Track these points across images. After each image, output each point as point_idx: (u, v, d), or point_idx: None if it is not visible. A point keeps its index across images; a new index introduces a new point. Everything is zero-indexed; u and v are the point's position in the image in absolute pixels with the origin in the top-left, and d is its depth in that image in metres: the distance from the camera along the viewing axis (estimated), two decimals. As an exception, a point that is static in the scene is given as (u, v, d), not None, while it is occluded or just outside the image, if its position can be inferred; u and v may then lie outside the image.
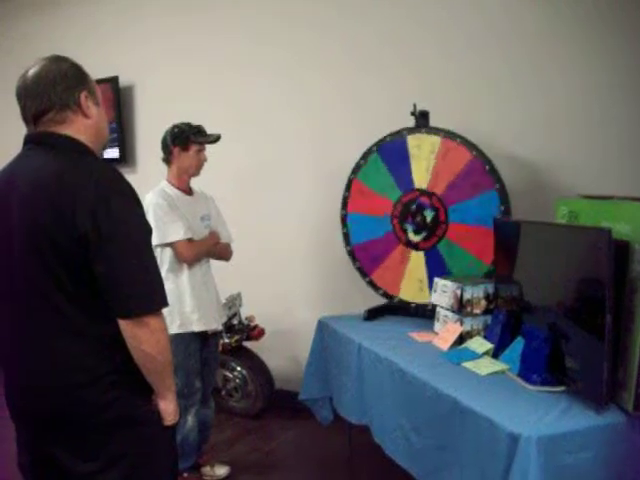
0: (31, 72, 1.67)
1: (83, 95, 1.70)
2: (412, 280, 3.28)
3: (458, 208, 3.15)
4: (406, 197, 3.28)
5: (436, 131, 3.20)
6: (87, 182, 1.56)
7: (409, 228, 3.27)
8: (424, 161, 3.22)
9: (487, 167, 3.06)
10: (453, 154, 3.14)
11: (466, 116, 3.47)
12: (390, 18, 3.80)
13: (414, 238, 3.27)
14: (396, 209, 3.31)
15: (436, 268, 3.20)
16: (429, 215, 3.22)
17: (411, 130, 3.26)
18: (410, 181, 3.27)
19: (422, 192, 3.24)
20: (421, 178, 3.24)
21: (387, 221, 3.33)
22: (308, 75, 4.12)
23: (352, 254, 3.44)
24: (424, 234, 3.24)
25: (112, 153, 4.91)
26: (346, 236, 3.46)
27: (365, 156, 3.39)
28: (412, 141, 3.25)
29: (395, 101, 3.65)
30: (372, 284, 3.41)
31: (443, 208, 3.18)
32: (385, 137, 3.34)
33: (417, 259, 3.27)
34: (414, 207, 3.26)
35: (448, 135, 3.15)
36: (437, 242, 3.21)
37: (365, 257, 3.41)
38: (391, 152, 3.32)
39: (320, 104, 4.10)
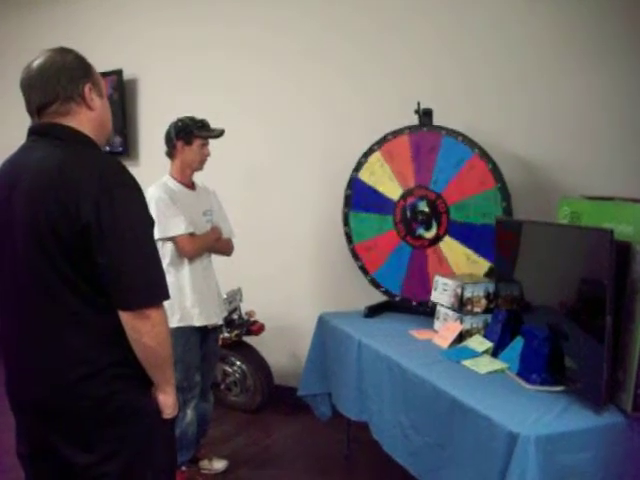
0: (35, 64, 1.67)
1: (87, 87, 1.70)
2: (460, 263, 3.20)
3: (436, 177, 3.21)
4: (397, 214, 3.32)
5: (370, 150, 3.38)
6: (90, 174, 1.56)
7: (421, 231, 3.27)
8: (383, 176, 3.33)
9: (425, 129, 3.24)
10: (395, 150, 3.32)
11: (472, 116, 3.46)
12: (401, 19, 3.79)
13: (430, 234, 3.25)
14: (400, 230, 3.32)
15: (468, 234, 3.16)
16: (424, 206, 3.25)
17: (356, 168, 3.42)
18: (389, 200, 3.34)
19: (403, 197, 3.29)
20: (394, 190, 3.32)
21: (404, 245, 3.32)
22: (315, 73, 4.11)
23: (404, 298, 3.37)
24: (435, 224, 3.23)
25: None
26: (387, 292, 3.41)
27: (346, 221, 3.47)
28: (364, 174, 3.39)
29: (403, 100, 3.63)
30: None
31: (427, 190, 3.23)
32: (345, 192, 3.47)
33: (448, 245, 3.22)
34: (409, 213, 3.28)
35: (380, 144, 3.36)
36: (448, 217, 3.20)
37: (415, 290, 3.33)
38: (359, 197, 3.42)
39: (326, 104, 4.09)
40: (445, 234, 3.21)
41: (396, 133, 3.32)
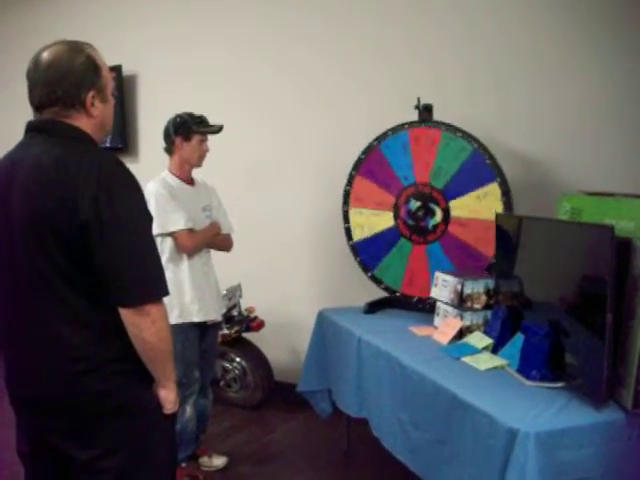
0: (44, 57, 1.64)
1: (90, 95, 1.66)
2: (477, 208, 3.15)
3: (401, 175, 3.31)
4: (405, 231, 3.32)
5: (345, 214, 3.47)
6: (89, 170, 1.55)
7: (432, 221, 3.26)
8: (370, 219, 3.41)
9: (362, 156, 3.36)
10: (361, 192, 3.42)
11: (472, 111, 3.45)
12: (400, 12, 3.78)
13: (439, 216, 3.24)
14: (419, 240, 3.29)
15: (461, 182, 3.16)
16: (415, 203, 3.27)
17: (348, 236, 3.46)
18: (391, 230, 3.36)
19: (396, 215, 3.34)
20: (386, 219, 3.36)
21: (432, 246, 3.28)
22: (314, 68, 4.10)
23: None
24: (434, 206, 3.24)
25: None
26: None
27: (378, 280, 3.43)
28: (357, 234, 3.46)
29: (401, 96, 3.63)
30: None
31: (405, 190, 3.30)
32: (356, 260, 3.46)
33: (458, 206, 3.20)
34: (410, 220, 3.30)
35: (346, 202, 3.46)
36: (438, 190, 3.21)
37: (475, 267, 3.20)
38: (369, 254, 3.43)
39: (324, 99, 4.08)
40: (447, 202, 3.21)
41: (350, 179, 3.43)
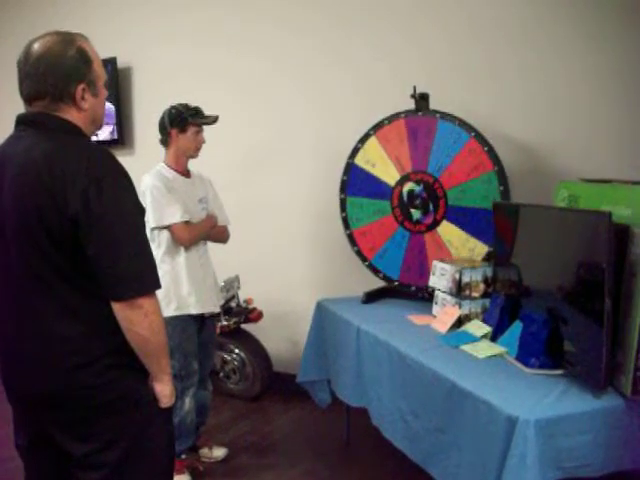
0: (34, 50, 1.62)
1: (80, 88, 1.64)
2: (459, 248, 3.17)
3: (432, 161, 3.20)
4: (394, 199, 3.30)
5: (366, 135, 3.34)
6: (78, 163, 1.53)
7: (419, 216, 3.25)
8: (380, 161, 3.32)
9: (420, 114, 3.20)
10: (391, 135, 3.28)
11: (467, 99, 3.44)
12: (395, 1, 3.77)
13: (428, 219, 3.24)
14: (398, 216, 3.30)
15: (467, 219, 3.15)
16: (421, 190, 3.23)
17: (352, 154, 3.38)
18: (386, 185, 3.32)
19: (400, 182, 3.28)
20: (391, 175, 3.31)
21: (402, 230, 3.30)
22: (310, 57, 4.08)
23: (403, 284, 3.36)
24: (432, 208, 3.21)
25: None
26: (386, 278, 3.39)
27: (343, 207, 3.44)
28: (360, 160, 3.37)
29: (397, 83, 3.62)
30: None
31: (425, 174, 3.22)
32: (341, 178, 3.42)
33: (446, 230, 3.20)
34: (405, 198, 3.27)
35: (375, 129, 3.31)
36: (446, 202, 3.18)
37: (414, 276, 3.32)
38: (355, 183, 3.39)
39: (321, 86, 4.06)
40: (443, 219, 3.20)
41: (392, 118, 3.29)
